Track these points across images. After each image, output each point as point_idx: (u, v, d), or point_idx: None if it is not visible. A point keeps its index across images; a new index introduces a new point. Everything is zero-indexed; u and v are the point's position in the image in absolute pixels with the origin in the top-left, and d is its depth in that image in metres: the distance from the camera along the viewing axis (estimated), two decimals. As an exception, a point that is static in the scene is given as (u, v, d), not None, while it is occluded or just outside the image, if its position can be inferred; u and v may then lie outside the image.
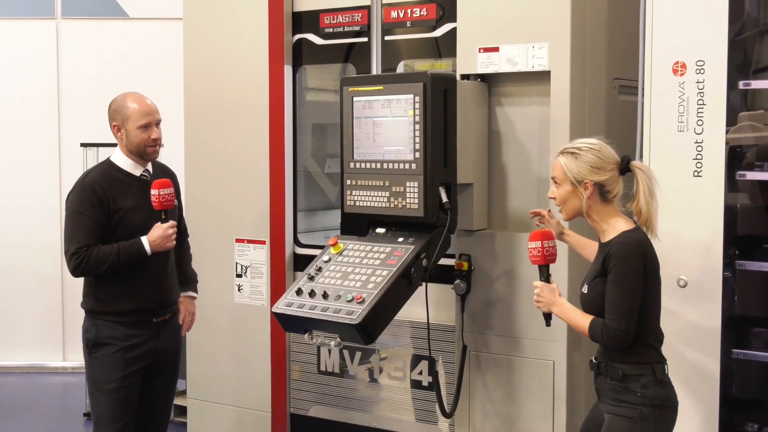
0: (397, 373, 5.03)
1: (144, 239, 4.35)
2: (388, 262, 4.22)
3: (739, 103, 4.40)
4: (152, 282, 4.48)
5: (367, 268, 4.24)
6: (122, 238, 4.36)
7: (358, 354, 5.14)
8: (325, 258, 4.41)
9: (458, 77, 4.59)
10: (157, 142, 4.48)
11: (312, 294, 4.22)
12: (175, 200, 4.50)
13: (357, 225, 4.54)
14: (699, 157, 3.98)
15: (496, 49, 4.54)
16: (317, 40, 5.31)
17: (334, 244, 4.45)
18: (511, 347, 4.59)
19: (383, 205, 4.39)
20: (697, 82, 3.98)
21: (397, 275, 4.14)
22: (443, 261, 4.47)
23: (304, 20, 5.34)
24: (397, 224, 4.42)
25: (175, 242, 4.47)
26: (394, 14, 5.00)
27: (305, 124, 5.59)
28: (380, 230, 4.48)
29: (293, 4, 5.35)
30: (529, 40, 4.45)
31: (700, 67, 3.97)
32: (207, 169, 5.56)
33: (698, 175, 3.97)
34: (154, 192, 4.34)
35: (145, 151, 4.45)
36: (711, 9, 3.95)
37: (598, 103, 4.62)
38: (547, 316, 3.76)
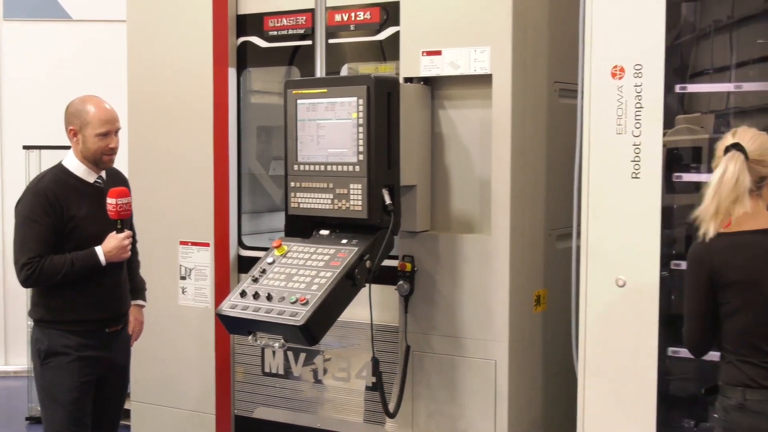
0: (341, 374, 5.00)
1: (98, 249, 4.21)
2: (332, 263, 4.20)
3: (676, 106, 4.45)
4: (106, 292, 4.35)
5: (311, 269, 4.21)
6: (75, 248, 4.21)
7: (303, 355, 5.11)
8: (270, 260, 4.38)
9: (401, 80, 4.59)
10: (114, 151, 4.34)
11: (256, 296, 4.18)
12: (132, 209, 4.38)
13: (301, 227, 4.50)
14: (637, 159, 4.01)
15: (438, 53, 4.55)
16: (261, 43, 5.27)
17: (278, 246, 4.41)
18: (453, 347, 4.59)
19: (327, 207, 4.37)
20: (635, 86, 4.00)
21: (340, 277, 4.11)
22: (387, 262, 4.45)
23: (249, 23, 5.30)
24: (341, 226, 4.40)
25: (130, 253, 4.34)
26: (338, 18, 4.98)
27: (250, 126, 5.54)
28: (324, 232, 4.45)
29: (237, 7, 5.30)
30: (471, 43, 4.46)
31: (638, 71, 3.99)
32: (151, 172, 5.49)
33: (636, 177, 4.00)
34: (111, 201, 4.20)
35: (101, 159, 4.31)
36: (649, 14, 3.97)
37: (539, 106, 4.64)
38: None
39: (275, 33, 5.21)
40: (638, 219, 4.01)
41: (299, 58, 5.21)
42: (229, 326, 4.30)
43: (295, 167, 4.47)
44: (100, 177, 4.37)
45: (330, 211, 4.36)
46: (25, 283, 4.20)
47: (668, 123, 4.11)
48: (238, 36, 5.33)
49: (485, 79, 4.45)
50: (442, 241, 4.60)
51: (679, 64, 4.51)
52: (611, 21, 4.05)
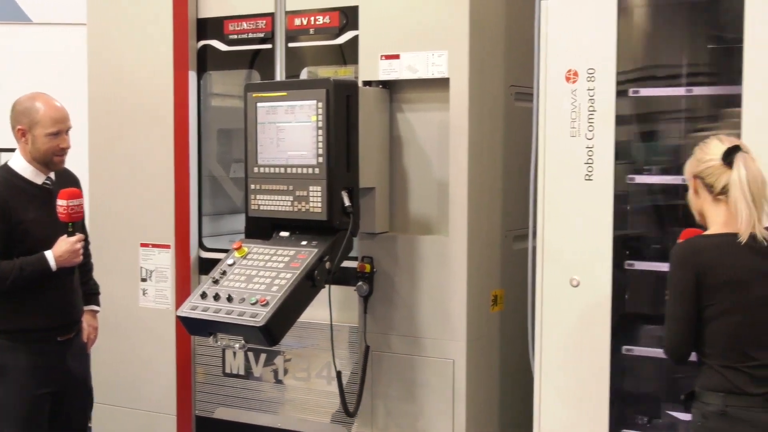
0: (301, 374, 5.01)
1: (49, 254, 3.99)
2: (292, 265, 4.21)
3: (630, 110, 4.52)
4: (57, 299, 4.15)
5: (271, 271, 4.22)
6: (24, 253, 4.00)
7: (263, 356, 5.11)
8: (230, 261, 4.38)
9: (360, 84, 4.61)
10: (65, 152, 4.15)
11: (216, 297, 4.18)
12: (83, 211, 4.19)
13: (261, 229, 4.51)
14: (590, 161, 4.06)
15: (397, 57, 4.57)
16: (222, 47, 5.27)
17: (239, 248, 4.42)
18: (412, 347, 4.62)
19: (287, 209, 4.38)
20: (588, 90, 4.05)
21: (300, 278, 4.13)
22: (346, 263, 4.48)
23: (209, 27, 5.29)
24: (300, 228, 4.41)
25: (82, 257, 4.12)
26: (297, 21, 4.99)
27: (210, 129, 5.54)
28: (284, 234, 4.46)
29: (198, 11, 5.29)
30: (429, 48, 4.49)
31: (591, 75, 4.05)
32: (112, 174, 5.47)
33: (589, 179, 4.05)
34: (61, 203, 4.00)
35: (52, 160, 4.12)
36: (601, 19, 4.03)
37: (495, 110, 4.69)
38: None
39: (235, 36, 5.21)
40: (592, 220, 4.06)
41: (259, 61, 5.21)
42: (190, 328, 4.30)
43: (255, 170, 4.48)
44: (48, 178, 4.17)
45: (290, 213, 4.37)
46: None
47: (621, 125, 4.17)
48: (198, 39, 5.32)
49: (443, 83, 4.49)
50: (401, 243, 4.63)
51: (633, 68, 4.57)
52: (566, 26, 4.10)
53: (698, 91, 4.46)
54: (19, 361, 4.07)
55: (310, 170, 4.29)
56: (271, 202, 4.43)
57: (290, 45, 5.00)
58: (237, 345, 4.12)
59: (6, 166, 4.17)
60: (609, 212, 4.05)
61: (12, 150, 4.30)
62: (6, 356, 4.07)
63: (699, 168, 3.34)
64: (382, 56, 4.60)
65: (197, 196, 5.37)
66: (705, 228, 3.38)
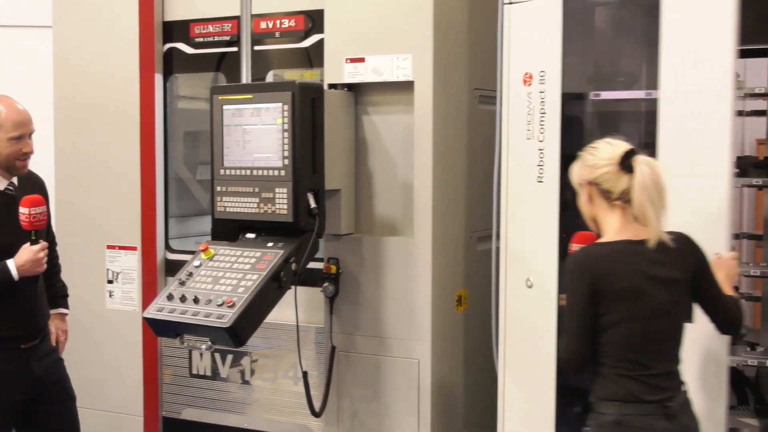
0: (268, 375, 5.01)
1: (11, 263, 3.83)
2: (258, 266, 4.21)
3: (590, 114, 4.55)
4: (19, 307, 3.99)
5: (238, 272, 4.22)
6: None
7: (230, 357, 5.11)
8: (196, 263, 4.38)
9: (326, 87, 4.62)
10: (28, 156, 3.99)
11: (183, 299, 4.17)
12: (47, 218, 4.03)
13: (228, 230, 4.51)
14: (541, 163, 4.09)
15: (362, 60, 4.59)
16: (188, 50, 5.26)
17: (205, 250, 4.41)
18: (377, 347, 4.64)
19: (253, 211, 4.38)
20: (540, 92, 4.09)
21: (267, 279, 4.13)
22: (312, 264, 4.49)
23: (175, 29, 5.29)
24: (267, 229, 4.41)
25: (45, 266, 3.98)
26: (263, 25, 5.00)
27: (177, 131, 5.53)
28: (250, 235, 4.46)
29: (163, 14, 5.28)
30: (393, 51, 4.51)
31: (542, 78, 4.08)
32: (78, 176, 5.44)
33: (540, 181, 4.08)
34: (23, 210, 3.85)
35: (14, 164, 3.96)
36: (549, 21, 4.07)
37: (459, 112, 4.71)
38: None
39: (201, 39, 5.21)
40: (542, 221, 4.09)
41: (225, 64, 5.21)
42: (156, 329, 4.29)
43: (222, 172, 4.47)
44: (11, 184, 4.01)
45: (256, 215, 4.38)
46: None
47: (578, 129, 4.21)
48: (164, 42, 5.31)
49: (407, 86, 4.51)
50: (366, 244, 4.65)
51: (594, 72, 4.62)
52: (523, 30, 4.13)
53: (657, 94, 4.52)
54: None
55: (276, 172, 4.29)
56: (237, 204, 4.43)
57: (256, 48, 5.01)
58: (203, 346, 4.12)
59: None
60: (555, 214, 4.08)
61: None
62: None
63: (593, 174, 3.22)
64: (347, 59, 4.61)
65: (163, 198, 5.36)
66: (598, 233, 3.31)
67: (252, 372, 5.06)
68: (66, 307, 4.48)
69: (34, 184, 4.18)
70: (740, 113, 5.54)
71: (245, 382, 5.09)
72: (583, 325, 3.14)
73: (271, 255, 4.25)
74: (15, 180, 4.05)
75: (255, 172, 4.36)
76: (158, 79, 5.29)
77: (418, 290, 4.52)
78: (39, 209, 3.89)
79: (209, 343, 4.09)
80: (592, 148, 3.28)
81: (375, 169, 4.69)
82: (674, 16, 3.78)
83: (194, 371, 5.24)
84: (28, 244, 3.90)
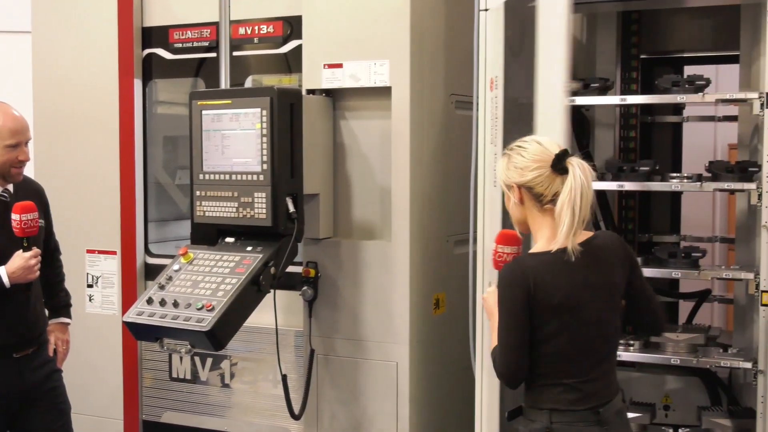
0: (247, 378, 5.01)
1: (2, 270, 3.78)
2: (237, 270, 4.21)
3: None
4: (11, 315, 3.90)
5: (217, 276, 4.22)
6: None
7: (209, 360, 5.10)
8: (176, 267, 4.37)
9: (304, 92, 4.63)
10: (23, 164, 3.93)
11: (163, 303, 4.17)
12: (40, 222, 3.92)
13: (207, 235, 4.50)
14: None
15: (340, 66, 4.60)
16: (167, 55, 5.26)
17: (185, 254, 4.41)
18: (356, 350, 4.65)
19: (232, 215, 4.38)
20: (496, 98, 4.11)
21: (246, 283, 4.13)
22: (291, 268, 4.49)
23: (154, 35, 5.28)
24: (246, 234, 4.42)
25: (38, 273, 3.89)
26: (242, 31, 5.00)
27: (156, 136, 5.52)
28: (230, 240, 4.46)
29: (143, 20, 5.28)
30: (371, 57, 4.52)
31: (497, 83, 4.10)
32: (57, 181, 5.40)
33: (496, 185, 4.10)
34: (15, 217, 3.78)
35: (9, 172, 3.89)
36: (499, 27, 4.10)
37: (436, 118, 4.73)
38: None
39: (180, 45, 5.21)
40: (495, 224, 4.11)
41: (204, 69, 5.21)
42: (136, 333, 4.28)
43: (201, 176, 4.47)
44: (6, 191, 3.96)
45: (235, 219, 4.38)
46: None
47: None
48: (143, 48, 5.30)
49: (385, 91, 4.52)
50: (345, 248, 4.65)
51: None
52: (491, 35, 4.14)
53: (632, 99, 4.56)
54: None
55: (255, 177, 4.29)
56: (216, 209, 4.43)
57: (235, 54, 5.02)
58: (183, 350, 4.12)
59: None
60: (499, 217, 4.10)
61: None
62: None
63: (525, 177, 3.05)
64: (325, 65, 4.62)
65: (143, 203, 5.35)
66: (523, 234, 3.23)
67: (232, 375, 5.06)
68: (68, 316, 4.36)
69: (32, 192, 4.11)
70: (712, 119, 5.59)
71: (225, 386, 5.08)
72: (521, 338, 3.01)
73: (250, 259, 4.25)
74: (10, 187, 3.99)
75: (234, 177, 4.36)
76: (137, 84, 5.29)
77: (396, 293, 4.53)
78: (30, 215, 3.82)
79: (189, 346, 4.09)
80: (520, 147, 3.10)
81: (353, 173, 4.69)
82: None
83: (174, 375, 5.22)
84: (21, 251, 3.83)
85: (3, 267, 3.80)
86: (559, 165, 3.00)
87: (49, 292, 4.26)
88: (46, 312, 4.29)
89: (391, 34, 4.47)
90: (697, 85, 4.13)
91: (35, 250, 3.87)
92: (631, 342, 4.29)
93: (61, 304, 4.34)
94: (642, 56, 4.98)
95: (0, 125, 3.86)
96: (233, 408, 5.06)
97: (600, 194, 4.69)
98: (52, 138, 5.45)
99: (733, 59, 4.72)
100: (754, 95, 3.93)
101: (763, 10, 3.93)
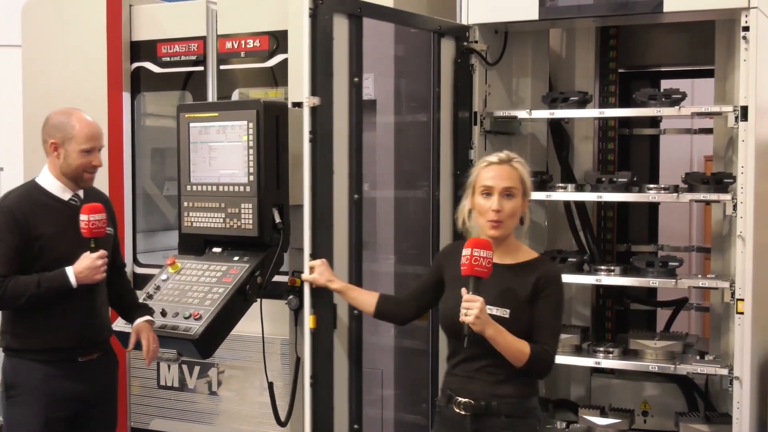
0: (235, 386, 5.00)
1: (69, 270, 3.66)
2: (224, 279, 4.21)
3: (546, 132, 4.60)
4: (77, 317, 3.78)
5: (204, 285, 4.22)
6: (45, 269, 3.68)
7: (197, 368, 5.09)
8: (164, 277, 4.36)
9: (290, 105, 4.62)
10: (95, 169, 3.87)
11: (151, 312, 4.16)
12: (108, 230, 3.86)
13: (194, 245, 4.50)
14: None
15: (325, 79, 4.60)
16: (155, 69, 5.25)
17: (172, 264, 4.40)
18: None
19: (219, 226, 4.38)
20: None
21: (233, 292, 4.13)
22: (277, 278, 4.47)
23: (142, 49, 5.28)
24: (232, 244, 4.41)
25: (104, 274, 3.77)
26: (228, 45, 5.00)
27: (144, 148, 5.51)
28: (217, 250, 4.46)
29: (131, 34, 5.28)
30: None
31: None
32: (47, 192, 5.40)
33: None
34: (83, 217, 3.70)
35: (82, 176, 3.83)
36: None
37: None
38: (469, 335, 3.08)
39: (168, 59, 5.21)
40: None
41: (192, 83, 5.21)
42: (125, 341, 4.25)
43: (188, 188, 4.47)
44: (76, 195, 3.86)
45: (222, 230, 4.38)
46: None
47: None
48: (132, 61, 5.30)
49: (369, 105, 4.53)
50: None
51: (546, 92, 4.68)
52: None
53: (610, 113, 4.59)
54: (35, 381, 3.73)
55: (242, 188, 4.29)
56: (203, 219, 4.42)
57: (222, 67, 5.02)
58: (171, 358, 4.10)
59: (33, 182, 3.89)
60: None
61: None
62: (21, 376, 3.74)
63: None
64: (310, 78, 4.62)
65: (131, 213, 5.34)
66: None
67: (219, 383, 5.05)
68: (151, 314, 4.09)
69: (101, 200, 3.98)
70: (688, 131, 5.62)
71: (212, 393, 5.07)
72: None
73: (237, 269, 4.25)
74: (80, 192, 3.91)
75: (221, 188, 4.36)
76: (126, 97, 5.28)
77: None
78: (98, 216, 3.74)
79: (177, 354, 4.08)
80: None
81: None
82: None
83: (162, 383, 5.21)
84: (88, 252, 3.74)
85: (70, 267, 3.70)
86: None
87: (126, 302, 4.11)
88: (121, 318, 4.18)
89: (376, 50, 4.47)
90: (674, 99, 4.17)
91: (102, 252, 3.76)
92: (611, 349, 4.31)
93: (140, 305, 4.15)
94: (620, 70, 5.02)
95: (77, 130, 3.81)
96: (220, 415, 5.05)
97: (579, 205, 4.72)
98: (42, 151, 5.41)
99: (709, 73, 4.75)
100: (729, 108, 3.98)
101: (737, 25, 3.97)
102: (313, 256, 3.73)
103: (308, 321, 3.72)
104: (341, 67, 3.83)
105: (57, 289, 3.67)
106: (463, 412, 3.20)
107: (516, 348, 3.11)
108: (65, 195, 3.84)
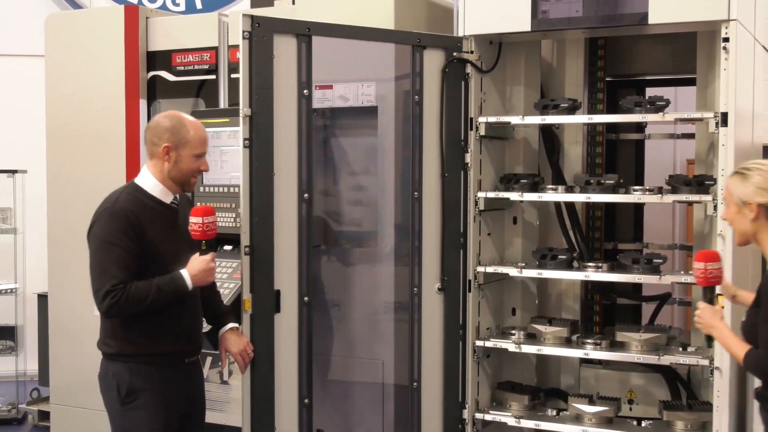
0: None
1: (185, 272, 3.50)
2: (235, 275, 4.22)
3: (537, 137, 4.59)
4: (187, 320, 3.65)
5: (217, 281, 4.19)
6: (153, 273, 3.48)
7: (209, 359, 5.07)
8: (178, 273, 4.35)
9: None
10: (201, 174, 3.72)
11: (166, 306, 4.14)
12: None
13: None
14: None
15: (330, 87, 4.61)
16: (170, 77, 5.26)
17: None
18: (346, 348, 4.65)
19: (231, 225, 4.39)
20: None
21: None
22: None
23: (158, 59, 5.30)
24: (243, 242, 4.42)
25: (215, 276, 3.68)
26: (239, 55, 4.99)
27: (160, 152, 5.51)
28: (228, 247, 4.47)
29: (147, 44, 5.29)
30: (359, 79, 4.53)
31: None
32: (68, 195, 5.41)
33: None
34: (196, 220, 3.52)
35: (189, 181, 3.64)
36: None
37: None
38: (708, 337, 3.37)
39: (182, 68, 5.22)
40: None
41: (205, 90, 5.22)
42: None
43: (201, 189, 4.49)
44: (176, 198, 3.68)
45: (233, 229, 4.38)
46: (108, 312, 3.44)
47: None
48: (148, 71, 5.31)
49: (371, 111, 4.53)
50: (335, 254, 4.65)
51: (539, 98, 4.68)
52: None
53: (598, 119, 4.59)
54: (153, 385, 3.54)
55: (252, 190, 4.29)
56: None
57: (233, 76, 5.02)
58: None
59: (134, 185, 3.64)
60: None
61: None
62: (139, 380, 3.54)
63: (766, 198, 3.12)
64: (316, 86, 4.61)
65: (148, 214, 5.33)
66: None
67: (230, 373, 5.04)
68: (235, 321, 3.93)
69: (187, 202, 3.86)
70: (672, 136, 5.62)
71: (224, 383, 5.06)
72: None
73: (247, 265, 4.24)
74: (177, 195, 3.71)
75: (232, 189, 4.37)
76: (143, 104, 5.30)
77: (382, 296, 4.52)
78: (210, 218, 3.56)
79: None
80: (760, 169, 3.16)
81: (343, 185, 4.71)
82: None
83: (176, 372, 5.20)
84: (198, 254, 3.57)
85: (185, 270, 3.53)
86: None
87: (214, 300, 3.92)
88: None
89: (377, 58, 4.48)
90: (658, 105, 4.17)
91: (213, 253, 3.61)
92: (599, 341, 4.31)
93: (226, 311, 3.95)
94: (607, 78, 5.01)
95: (192, 135, 3.59)
96: (231, 403, 5.04)
97: (569, 206, 4.72)
98: (63, 155, 5.45)
99: (691, 82, 4.75)
100: (710, 114, 3.98)
101: (717, 37, 3.97)
102: (251, 249, 3.81)
103: (243, 304, 3.81)
104: (290, 82, 3.99)
105: (174, 293, 3.49)
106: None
107: (732, 350, 3.17)
108: (167, 198, 3.62)
